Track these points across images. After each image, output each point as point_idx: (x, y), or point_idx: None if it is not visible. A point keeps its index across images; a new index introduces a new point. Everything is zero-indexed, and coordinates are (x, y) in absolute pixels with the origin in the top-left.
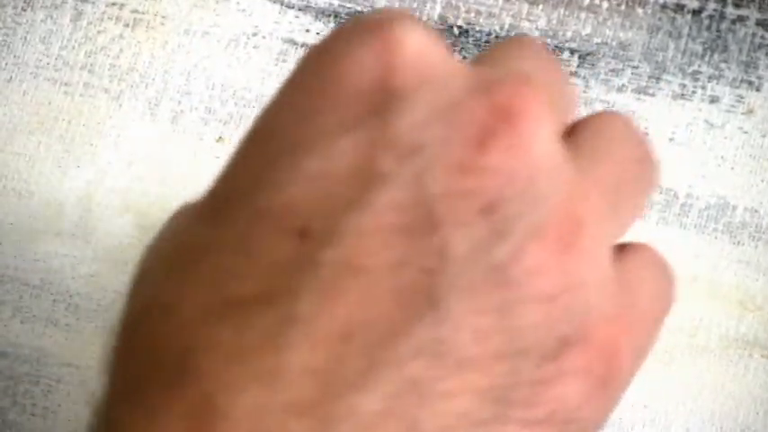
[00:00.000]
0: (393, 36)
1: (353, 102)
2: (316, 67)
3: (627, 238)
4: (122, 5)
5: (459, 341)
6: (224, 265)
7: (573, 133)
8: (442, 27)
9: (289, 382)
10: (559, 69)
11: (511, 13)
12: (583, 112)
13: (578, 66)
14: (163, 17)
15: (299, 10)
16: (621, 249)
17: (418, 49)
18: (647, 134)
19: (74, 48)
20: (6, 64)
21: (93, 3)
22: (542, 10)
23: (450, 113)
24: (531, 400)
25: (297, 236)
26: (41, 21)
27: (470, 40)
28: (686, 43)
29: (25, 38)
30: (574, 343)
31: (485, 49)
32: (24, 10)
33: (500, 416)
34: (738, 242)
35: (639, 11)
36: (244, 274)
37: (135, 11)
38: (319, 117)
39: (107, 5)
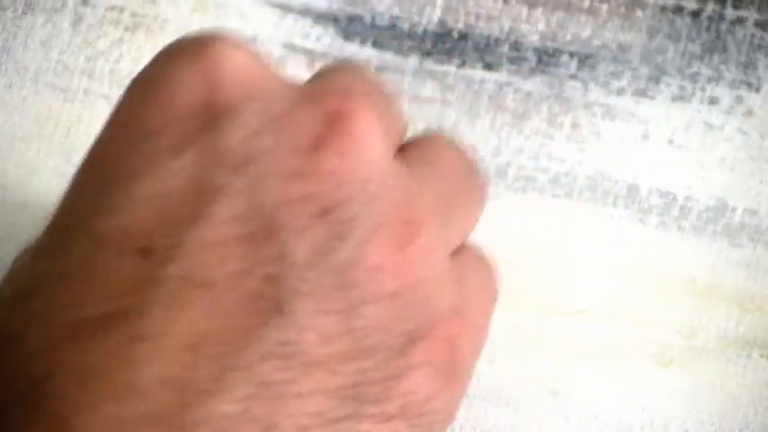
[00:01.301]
0: (215, 54)
1: (182, 122)
2: (142, 92)
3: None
4: (122, 9)
5: (306, 343)
6: (68, 293)
7: (403, 150)
8: (441, 31)
9: (142, 395)
10: (383, 87)
11: (510, 16)
12: (582, 115)
13: (577, 69)
14: (163, 21)
15: (299, 14)
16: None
17: (242, 66)
18: (471, 153)
19: (74, 52)
20: (6, 69)
21: (93, 6)
22: (542, 13)
23: (280, 123)
24: (383, 396)
25: (139, 255)
26: (41, 25)
27: (470, 43)
28: (685, 45)
29: (25, 42)
30: (418, 338)
31: (484, 53)
32: (24, 14)
33: (354, 413)
34: (737, 244)
35: (639, 13)
36: (89, 299)
37: (135, 14)
38: (150, 140)
39: (107, 9)
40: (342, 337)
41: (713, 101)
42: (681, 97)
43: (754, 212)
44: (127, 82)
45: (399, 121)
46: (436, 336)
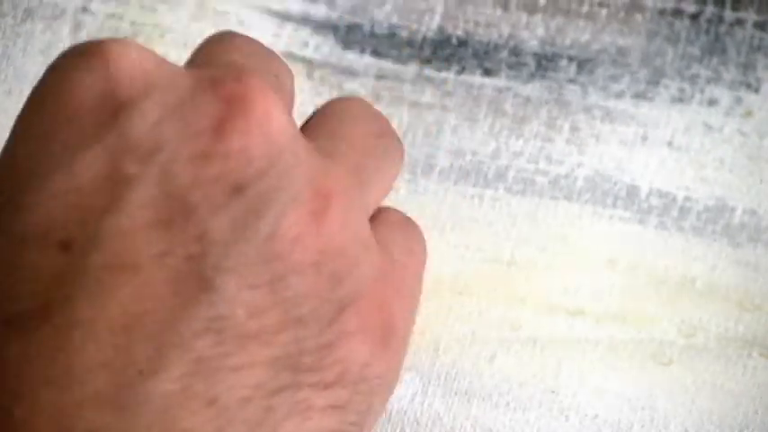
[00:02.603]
0: (110, 53)
1: (86, 118)
2: (43, 96)
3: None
4: (121, 17)
5: (237, 317)
6: None
7: (310, 121)
8: (441, 38)
9: (81, 380)
10: (266, 52)
11: (510, 22)
12: (582, 118)
13: (577, 73)
14: (162, 29)
15: (298, 23)
16: (371, 217)
17: (137, 60)
18: (381, 114)
19: None
20: (6, 76)
21: (93, 14)
22: (541, 19)
23: (181, 110)
24: (319, 364)
25: (60, 248)
26: (41, 32)
27: (469, 50)
28: (684, 47)
29: (25, 49)
30: (348, 304)
31: (483, 59)
32: (24, 21)
33: (293, 383)
34: (737, 244)
35: (638, 17)
36: (18, 295)
37: (134, 23)
38: (57, 137)
39: (106, 17)
40: (272, 308)
41: (712, 102)
42: (680, 99)
43: (753, 212)
44: None
45: (289, 85)
46: (367, 301)
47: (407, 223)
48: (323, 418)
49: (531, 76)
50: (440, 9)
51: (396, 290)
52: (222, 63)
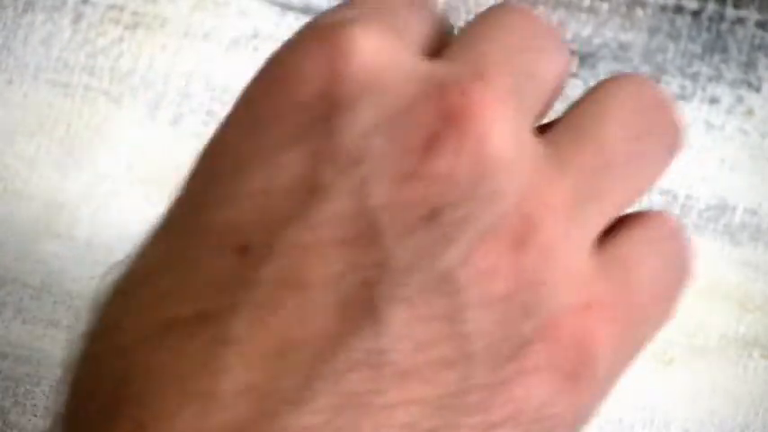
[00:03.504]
0: (343, 41)
1: (297, 113)
2: (266, 79)
3: None
4: (122, 8)
5: (400, 352)
6: (165, 286)
7: (567, 111)
8: None
9: (223, 404)
10: (526, 43)
11: None
12: None
13: (578, 67)
14: (163, 19)
15: (300, 12)
16: (620, 225)
17: (369, 55)
18: (660, 99)
19: (74, 50)
20: (7, 66)
21: (94, 5)
22: (543, 12)
23: (395, 121)
24: (487, 404)
25: (237, 253)
26: (42, 23)
27: None
28: (686, 44)
29: (25, 40)
30: (535, 340)
31: None
32: (25, 12)
33: (450, 423)
34: (738, 243)
35: (639, 12)
36: (184, 295)
37: (135, 13)
38: (266, 130)
39: (107, 8)
40: (441, 344)
41: (714, 100)
42: (681, 96)
43: (754, 212)
44: (127, 79)
45: (544, 82)
46: (557, 336)
47: (671, 238)
48: None
49: None
50: (441, 0)
51: (611, 319)
52: (470, 57)
